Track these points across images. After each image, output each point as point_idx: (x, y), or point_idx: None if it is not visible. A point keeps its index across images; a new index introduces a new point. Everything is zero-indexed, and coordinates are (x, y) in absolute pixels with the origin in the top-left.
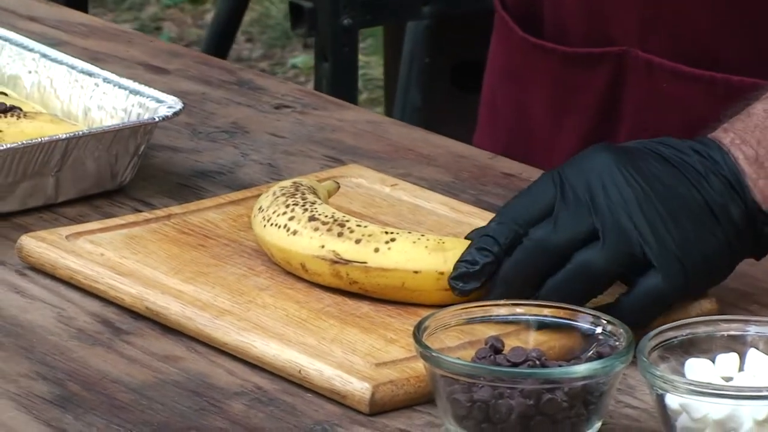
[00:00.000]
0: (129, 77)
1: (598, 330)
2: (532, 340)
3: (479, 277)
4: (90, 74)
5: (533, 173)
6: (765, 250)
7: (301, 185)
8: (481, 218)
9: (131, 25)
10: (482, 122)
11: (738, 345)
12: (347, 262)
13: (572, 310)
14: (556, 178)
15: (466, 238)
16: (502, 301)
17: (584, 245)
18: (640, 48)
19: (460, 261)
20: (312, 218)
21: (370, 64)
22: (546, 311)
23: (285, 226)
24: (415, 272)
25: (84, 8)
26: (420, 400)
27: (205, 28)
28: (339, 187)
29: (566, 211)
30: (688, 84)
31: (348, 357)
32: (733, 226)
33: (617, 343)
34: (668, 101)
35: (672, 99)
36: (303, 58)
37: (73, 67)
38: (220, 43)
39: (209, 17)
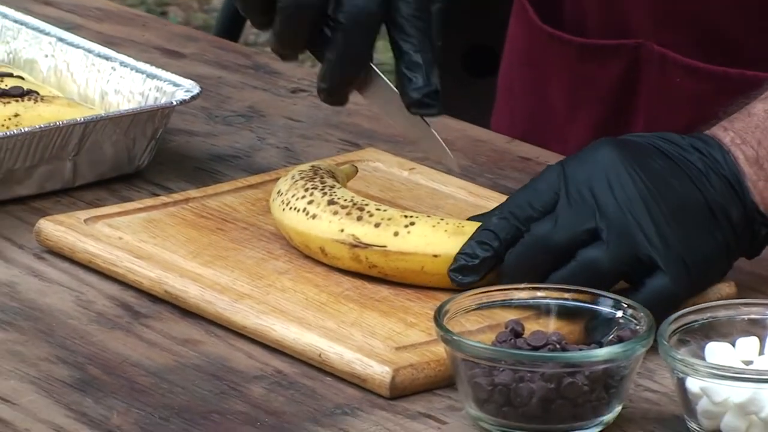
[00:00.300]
0: (145, 61)
1: (619, 314)
2: (552, 324)
3: (478, 270)
4: (107, 58)
5: (550, 158)
6: (758, 251)
7: (320, 169)
8: (498, 202)
9: (137, 9)
10: (499, 105)
11: (758, 329)
12: (366, 245)
13: (593, 294)
14: (559, 173)
15: (470, 219)
16: (522, 285)
17: (586, 243)
18: (655, 41)
19: (460, 253)
20: (331, 202)
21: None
22: (567, 295)
23: (304, 209)
24: (435, 256)
25: None
26: (440, 383)
27: (210, 13)
28: (357, 171)
29: (569, 208)
30: (701, 79)
31: (368, 341)
32: (731, 226)
33: (638, 326)
34: (682, 95)
35: (686, 93)
36: None
37: (89, 51)
38: (231, 27)
39: (215, 2)
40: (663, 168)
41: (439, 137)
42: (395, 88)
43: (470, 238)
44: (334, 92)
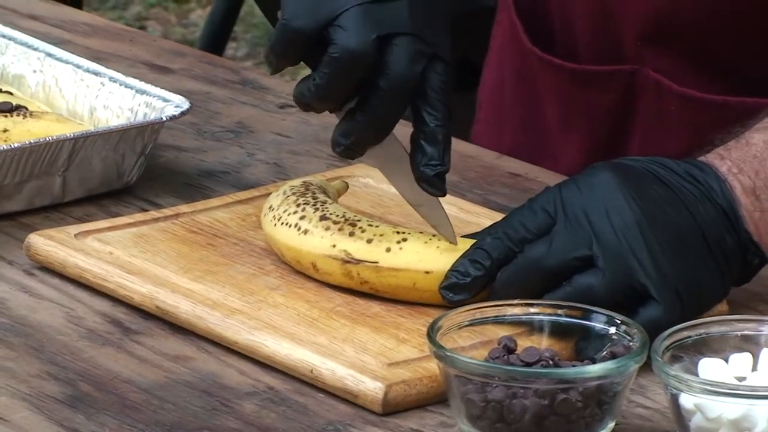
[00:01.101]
0: (133, 76)
1: (612, 330)
2: (545, 340)
3: (469, 289)
4: (96, 73)
5: (540, 174)
6: (748, 279)
7: (312, 185)
8: (488, 218)
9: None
10: (484, 117)
11: (751, 345)
12: (358, 261)
13: (586, 310)
14: (556, 195)
15: (464, 237)
16: (515, 301)
17: (579, 269)
18: (651, 68)
19: (451, 270)
20: (323, 217)
21: None
22: (560, 311)
23: (296, 225)
24: (427, 272)
25: (78, 6)
26: (432, 400)
27: (189, 27)
28: (348, 186)
29: (564, 233)
30: (698, 108)
31: (360, 356)
32: (725, 255)
33: (631, 343)
34: (679, 121)
35: (682, 120)
36: None
37: (78, 67)
38: (215, 41)
39: (193, 16)
40: (659, 195)
41: (443, 206)
42: (407, 153)
43: (462, 256)
44: (355, 150)
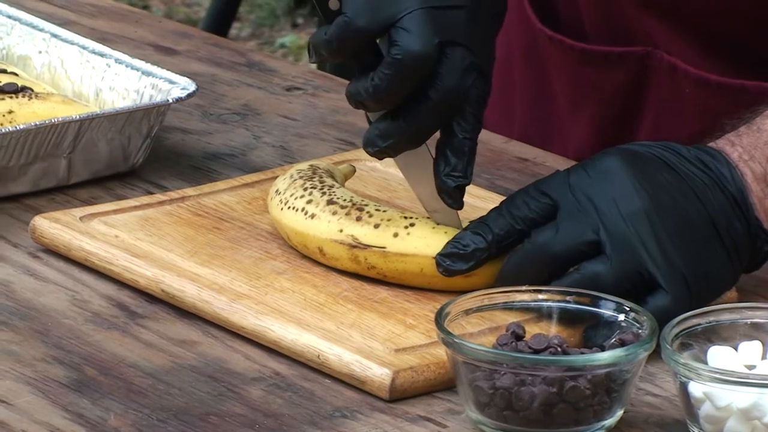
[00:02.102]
0: (138, 58)
1: (621, 317)
2: (553, 327)
3: (467, 259)
4: (102, 55)
5: (548, 158)
6: (757, 266)
7: (319, 168)
8: (496, 203)
9: (121, 3)
10: (492, 97)
11: (761, 333)
12: (366, 246)
13: (595, 297)
14: (564, 179)
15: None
16: (523, 287)
17: (586, 255)
18: (664, 50)
19: (451, 241)
20: (330, 202)
21: None
22: (568, 298)
23: (303, 209)
24: (434, 258)
25: None
26: (440, 386)
27: (192, 7)
28: (355, 170)
29: (571, 219)
30: (713, 91)
31: (367, 342)
32: (734, 243)
33: (640, 330)
34: (691, 105)
35: (695, 103)
36: (291, 38)
37: (84, 48)
38: (220, 22)
39: None
40: (668, 182)
41: (458, 216)
42: (432, 159)
43: (465, 228)
44: (389, 154)
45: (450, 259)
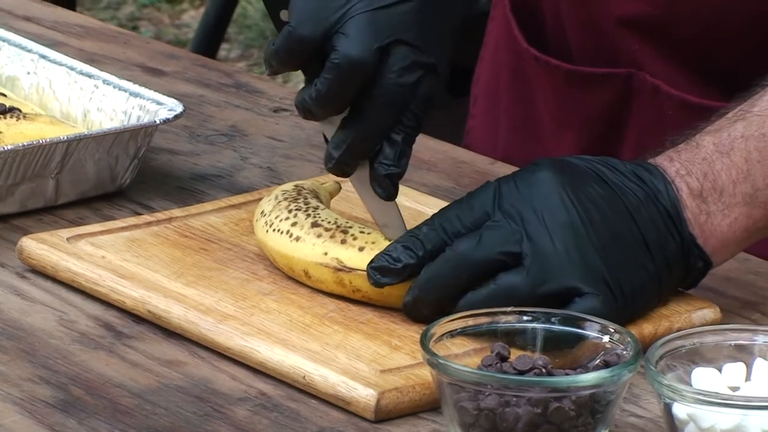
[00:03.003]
0: (126, 79)
1: (606, 339)
2: (538, 348)
3: (398, 274)
4: (89, 76)
5: None
6: (695, 282)
7: (303, 189)
8: None
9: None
10: (479, 113)
11: (745, 354)
12: (350, 270)
13: (580, 318)
14: (495, 190)
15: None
16: (508, 309)
17: (508, 266)
18: (648, 72)
19: (383, 253)
20: (315, 224)
21: None
22: (553, 319)
23: (288, 231)
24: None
25: (72, 7)
26: (425, 407)
27: (181, 28)
28: (341, 188)
29: (495, 228)
30: (696, 113)
31: (353, 363)
32: (665, 259)
33: (624, 351)
34: (674, 126)
35: (679, 125)
36: None
37: (72, 69)
38: (208, 43)
39: (186, 17)
40: (600, 196)
41: (406, 229)
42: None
43: (396, 242)
44: (346, 163)
45: (380, 273)
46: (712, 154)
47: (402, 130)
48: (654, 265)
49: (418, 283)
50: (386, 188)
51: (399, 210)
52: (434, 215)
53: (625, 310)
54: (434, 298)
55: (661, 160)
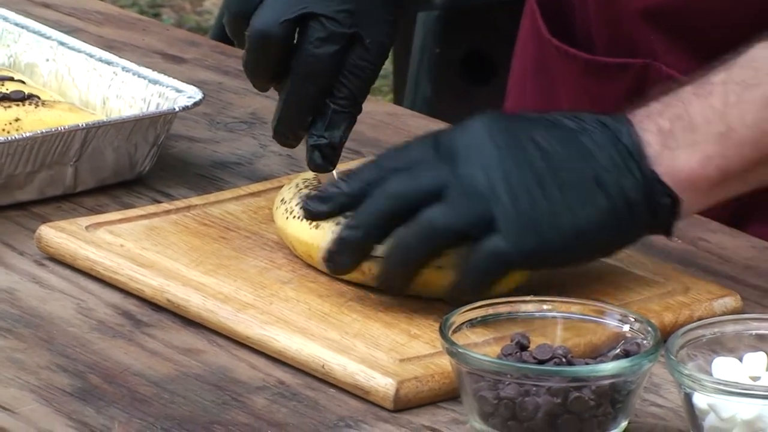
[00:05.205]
0: (145, 66)
1: (626, 328)
2: (558, 337)
3: (326, 201)
4: (108, 63)
5: None
6: (668, 224)
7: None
8: None
9: (129, 11)
10: (510, 107)
11: (766, 344)
12: (370, 256)
13: (599, 307)
14: (434, 136)
15: None
16: (528, 298)
17: (435, 200)
18: (663, 62)
19: (321, 186)
20: None
21: None
22: (573, 308)
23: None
24: (439, 267)
25: None
26: (444, 396)
27: (203, 15)
28: None
29: (426, 165)
30: None
31: (371, 352)
32: (623, 196)
33: (644, 341)
34: None
35: None
36: None
37: (91, 56)
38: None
39: (207, 4)
40: (545, 138)
41: None
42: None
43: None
44: (283, 135)
45: (312, 202)
46: (689, 97)
47: (333, 101)
48: (609, 202)
49: (356, 219)
50: (314, 159)
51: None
52: (377, 155)
53: (563, 251)
54: (370, 236)
55: (637, 106)
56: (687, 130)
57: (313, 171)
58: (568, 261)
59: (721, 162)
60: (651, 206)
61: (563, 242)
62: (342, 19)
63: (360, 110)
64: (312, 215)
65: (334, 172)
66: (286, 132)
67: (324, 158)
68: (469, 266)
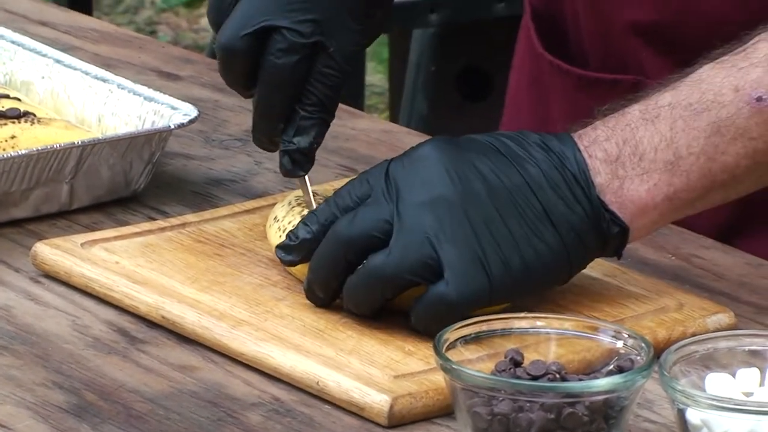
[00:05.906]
0: (141, 83)
1: (619, 344)
2: (552, 353)
3: (297, 250)
4: (104, 80)
5: None
6: (617, 250)
7: (317, 195)
8: None
9: (126, 28)
10: (506, 122)
11: (759, 360)
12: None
13: (593, 323)
14: (385, 167)
15: None
16: (522, 314)
17: (379, 244)
18: (653, 79)
19: (289, 232)
20: None
21: (367, 70)
22: (567, 325)
23: None
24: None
25: (89, 11)
26: (438, 412)
27: (200, 33)
28: None
29: (372, 205)
30: None
31: (366, 369)
32: (571, 227)
33: (638, 357)
34: None
35: None
36: None
37: (87, 73)
38: None
39: (204, 21)
40: (492, 169)
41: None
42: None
43: (300, 220)
44: (260, 140)
45: (284, 251)
46: (636, 121)
47: (301, 108)
48: (555, 234)
49: (310, 263)
50: (284, 164)
51: (309, 188)
52: (335, 191)
53: (514, 286)
54: (322, 279)
55: (584, 128)
56: (635, 158)
57: (285, 176)
58: (518, 295)
59: (668, 190)
60: (600, 235)
61: (512, 279)
62: (304, 29)
63: (332, 116)
64: (286, 264)
65: (306, 177)
66: (261, 138)
67: (294, 163)
68: (419, 314)
